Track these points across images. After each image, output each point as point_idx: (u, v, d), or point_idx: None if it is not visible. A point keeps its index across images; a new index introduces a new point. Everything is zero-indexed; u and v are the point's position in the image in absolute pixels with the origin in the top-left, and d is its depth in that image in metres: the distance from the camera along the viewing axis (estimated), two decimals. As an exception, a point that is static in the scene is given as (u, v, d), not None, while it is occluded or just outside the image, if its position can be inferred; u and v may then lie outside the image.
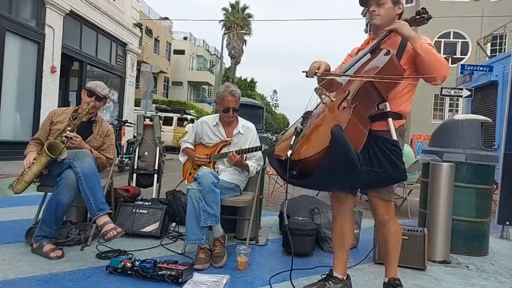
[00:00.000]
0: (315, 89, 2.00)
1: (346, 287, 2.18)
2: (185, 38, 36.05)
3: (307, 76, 2.08)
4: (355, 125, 1.83)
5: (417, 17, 2.10)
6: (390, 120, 2.00)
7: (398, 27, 1.99)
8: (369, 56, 2.09)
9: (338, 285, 2.15)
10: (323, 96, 1.98)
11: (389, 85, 1.93)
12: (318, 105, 2.07)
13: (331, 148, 1.72)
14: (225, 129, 3.08)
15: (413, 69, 2.06)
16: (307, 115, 2.01)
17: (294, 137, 1.91)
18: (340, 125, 1.75)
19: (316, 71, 2.04)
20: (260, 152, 3.00)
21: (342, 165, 1.74)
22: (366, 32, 28.46)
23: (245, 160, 3.01)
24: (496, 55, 14.07)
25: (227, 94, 2.94)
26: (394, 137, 1.99)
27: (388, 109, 2.01)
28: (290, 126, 2.17)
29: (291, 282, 2.18)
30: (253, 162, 3.01)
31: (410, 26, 2.04)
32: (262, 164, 3.16)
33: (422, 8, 2.09)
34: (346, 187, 2.08)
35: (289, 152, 1.84)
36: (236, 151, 2.89)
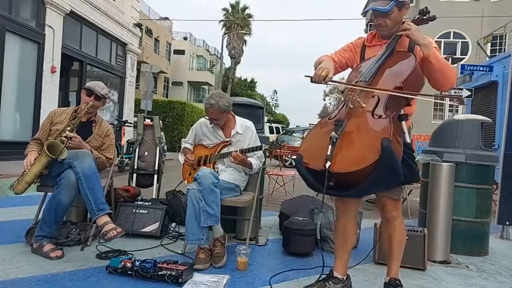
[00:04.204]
0: (342, 93, 1.99)
1: (346, 287, 2.18)
2: (185, 38, 36.00)
3: (312, 82, 1.98)
4: (395, 136, 1.82)
5: (424, 17, 2.11)
6: (404, 123, 2.01)
7: (411, 34, 1.98)
8: (384, 59, 2.07)
9: (338, 285, 2.15)
10: (352, 101, 1.95)
11: (415, 91, 1.95)
12: (340, 109, 2.03)
13: (381, 162, 1.71)
14: (223, 130, 3.07)
15: (421, 71, 2.06)
16: (339, 123, 1.94)
17: (330, 146, 1.85)
18: (387, 137, 1.74)
19: (325, 78, 1.95)
20: (261, 150, 2.99)
21: (389, 178, 1.77)
22: (366, 32, 28.46)
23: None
24: (496, 55, 14.07)
25: (206, 104, 2.90)
26: (408, 140, 1.99)
27: (402, 112, 2.02)
28: (303, 129, 2.13)
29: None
30: (255, 160, 3.01)
31: (418, 25, 2.05)
32: (263, 161, 3.16)
33: (426, 7, 2.10)
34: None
35: (328, 163, 1.80)
36: (239, 150, 2.87)
